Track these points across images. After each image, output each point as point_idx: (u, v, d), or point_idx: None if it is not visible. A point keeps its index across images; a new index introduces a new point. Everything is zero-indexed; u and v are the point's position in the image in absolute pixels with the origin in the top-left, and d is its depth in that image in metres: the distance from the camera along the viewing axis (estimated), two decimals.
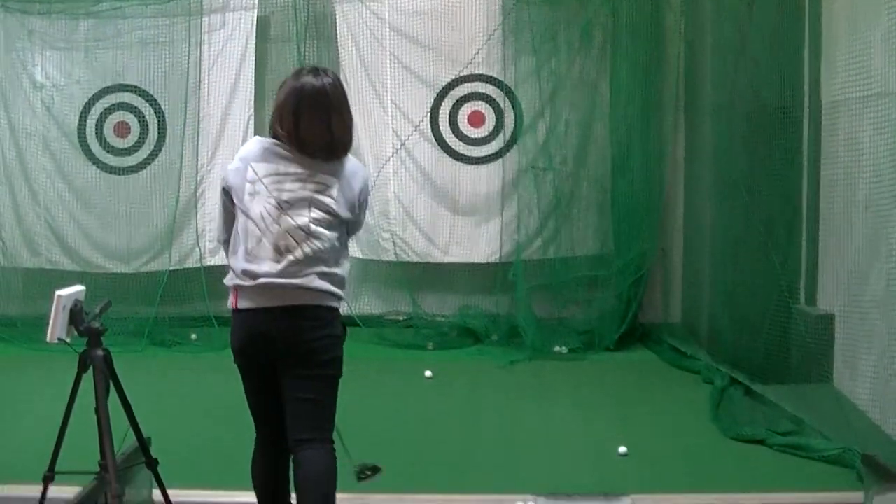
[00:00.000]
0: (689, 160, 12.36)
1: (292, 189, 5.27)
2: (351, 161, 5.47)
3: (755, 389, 9.27)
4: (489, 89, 12.71)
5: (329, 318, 5.38)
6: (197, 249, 12.81)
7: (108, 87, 12.77)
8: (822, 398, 8.64)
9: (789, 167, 9.60)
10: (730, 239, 10.39)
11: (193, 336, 12.44)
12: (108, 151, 12.83)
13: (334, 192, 5.30)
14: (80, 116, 12.79)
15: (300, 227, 5.26)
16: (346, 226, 5.46)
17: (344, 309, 5.69)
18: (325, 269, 5.31)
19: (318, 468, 5.37)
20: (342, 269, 5.42)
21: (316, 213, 5.27)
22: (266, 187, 5.28)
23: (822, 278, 9.33)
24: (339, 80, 5.44)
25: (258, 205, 5.29)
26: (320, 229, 5.28)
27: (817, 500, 6.89)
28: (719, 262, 10.73)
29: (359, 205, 5.48)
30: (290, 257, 5.28)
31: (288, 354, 5.38)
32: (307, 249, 5.27)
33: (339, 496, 6.08)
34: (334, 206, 5.30)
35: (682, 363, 10.97)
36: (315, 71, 5.44)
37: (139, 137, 12.83)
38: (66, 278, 11.00)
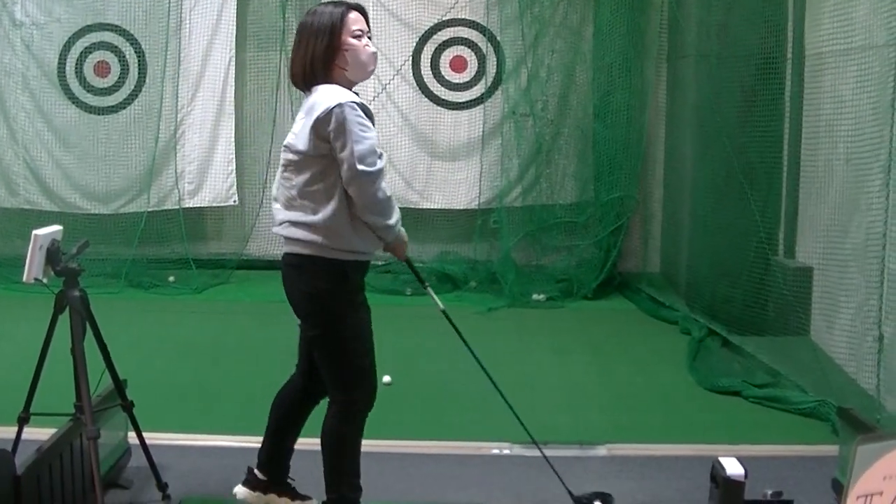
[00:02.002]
0: (672, 108, 12.34)
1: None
2: (320, 91, 5.12)
3: (732, 341, 9.30)
4: (472, 34, 12.65)
5: (305, 268, 5.19)
6: (176, 191, 12.77)
7: (88, 26, 12.68)
8: (798, 351, 8.67)
9: (771, 118, 9.59)
10: (710, 189, 10.38)
11: (171, 278, 12.44)
12: (87, 91, 12.76)
13: (298, 126, 5.15)
14: (60, 55, 12.70)
15: (279, 175, 5.30)
16: (331, 165, 5.08)
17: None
18: (299, 216, 5.14)
19: (323, 431, 5.46)
20: (321, 215, 5.06)
21: (288, 156, 5.18)
22: None
23: (802, 230, 9.35)
24: (313, 12, 5.25)
25: None
26: (288, 174, 5.19)
27: (792, 452, 6.93)
28: (699, 212, 10.73)
29: (315, 137, 5.03)
30: (276, 205, 5.31)
31: None
32: (282, 197, 5.25)
33: (303, 440, 6.08)
34: (293, 142, 5.14)
35: (659, 313, 10.99)
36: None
37: (119, 77, 12.76)
38: (44, 218, 11.00)
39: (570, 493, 5.90)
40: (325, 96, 5.04)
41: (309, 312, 5.29)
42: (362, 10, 5.28)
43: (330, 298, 5.20)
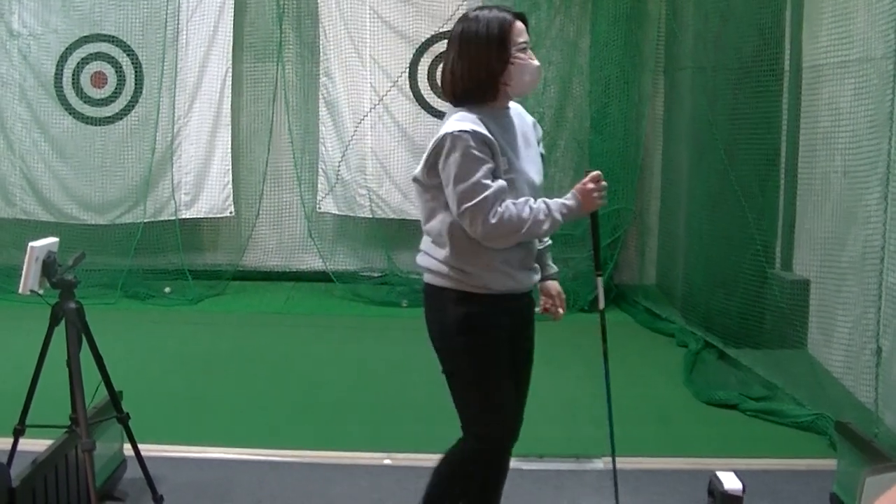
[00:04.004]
0: (668, 120, 12.33)
1: None
2: (450, 116, 4.67)
3: (729, 353, 9.28)
4: None
5: (434, 298, 4.79)
6: (172, 202, 12.76)
7: (85, 37, 12.70)
8: (795, 364, 8.65)
9: (768, 130, 9.58)
10: (706, 201, 10.36)
11: (167, 289, 12.44)
12: (84, 101, 12.76)
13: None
14: (57, 66, 12.72)
15: None
16: (440, 194, 4.64)
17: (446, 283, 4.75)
18: (429, 245, 4.79)
19: (445, 456, 5.12)
20: (445, 252, 4.67)
21: (414, 182, 4.80)
22: None
23: (799, 243, 9.33)
24: (475, 18, 4.68)
25: None
26: (416, 193, 4.85)
27: (789, 466, 6.91)
28: (695, 224, 10.71)
29: (424, 166, 4.64)
30: None
31: None
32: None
33: (298, 453, 6.01)
34: (419, 165, 4.70)
35: (656, 325, 10.98)
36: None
37: (116, 88, 12.76)
38: (41, 229, 11.00)
39: None
40: (447, 123, 4.60)
41: (438, 346, 4.87)
42: (525, 20, 4.76)
43: (459, 333, 4.73)
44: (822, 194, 8.73)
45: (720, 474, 5.79)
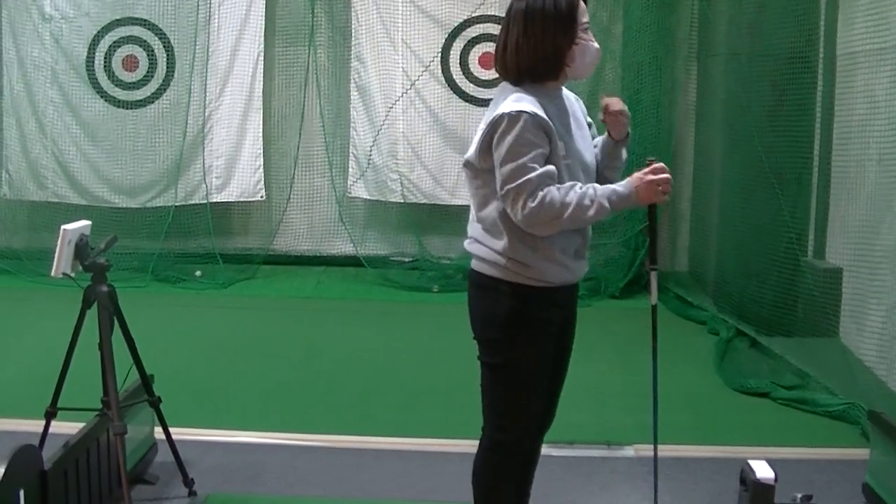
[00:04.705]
0: (701, 107, 12.28)
1: None
2: (503, 90, 4.49)
3: (761, 341, 9.23)
4: None
5: (483, 287, 4.56)
6: (203, 185, 12.78)
7: (117, 20, 12.71)
8: (828, 352, 8.61)
9: (802, 117, 9.52)
10: (739, 188, 10.32)
11: (198, 273, 12.45)
12: (116, 85, 12.78)
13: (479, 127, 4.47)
14: (89, 49, 12.73)
15: None
16: (492, 179, 4.41)
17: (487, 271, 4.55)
18: (480, 234, 4.54)
19: (474, 465, 4.89)
20: (502, 243, 4.44)
21: (465, 167, 4.59)
22: None
23: (832, 231, 9.28)
24: None
25: None
26: (469, 186, 4.61)
27: (821, 455, 6.87)
28: (728, 211, 10.67)
29: (479, 148, 4.42)
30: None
31: None
32: (471, 208, 4.67)
33: (328, 437, 5.99)
34: (470, 150, 4.50)
35: (687, 312, 10.91)
36: None
37: (147, 71, 12.77)
38: (72, 212, 11.02)
39: None
40: (504, 102, 4.36)
41: (481, 337, 4.66)
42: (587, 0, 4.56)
43: (508, 326, 4.53)
44: (856, 182, 8.68)
45: (753, 463, 5.74)
